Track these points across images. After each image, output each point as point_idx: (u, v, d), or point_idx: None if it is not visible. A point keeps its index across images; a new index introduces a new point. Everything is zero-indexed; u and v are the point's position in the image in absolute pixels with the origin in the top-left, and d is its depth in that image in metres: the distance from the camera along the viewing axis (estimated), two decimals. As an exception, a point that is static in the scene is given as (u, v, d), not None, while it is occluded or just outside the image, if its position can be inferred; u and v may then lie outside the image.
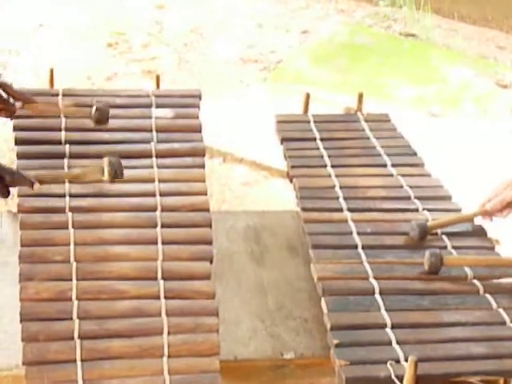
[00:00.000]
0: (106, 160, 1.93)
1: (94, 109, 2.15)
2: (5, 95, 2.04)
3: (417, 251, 2.03)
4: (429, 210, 2.19)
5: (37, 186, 1.89)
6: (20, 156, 2.13)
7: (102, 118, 2.16)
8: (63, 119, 2.22)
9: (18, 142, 2.16)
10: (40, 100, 2.27)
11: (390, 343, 1.73)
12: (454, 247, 2.07)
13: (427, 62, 5.44)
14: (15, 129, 2.18)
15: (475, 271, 1.97)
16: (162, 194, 2.07)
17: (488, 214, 2.17)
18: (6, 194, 1.85)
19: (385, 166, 2.39)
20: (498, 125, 4.68)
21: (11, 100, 2.04)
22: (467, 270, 1.98)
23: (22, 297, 1.75)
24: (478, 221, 2.18)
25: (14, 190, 2.06)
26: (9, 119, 2.09)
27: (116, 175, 1.93)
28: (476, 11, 5.93)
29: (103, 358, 1.66)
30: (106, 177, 1.93)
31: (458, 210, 2.22)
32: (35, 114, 2.21)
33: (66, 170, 2.10)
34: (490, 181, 2.23)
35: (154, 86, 2.46)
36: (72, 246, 1.89)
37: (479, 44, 5.75)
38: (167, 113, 2.30)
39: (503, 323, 1.83)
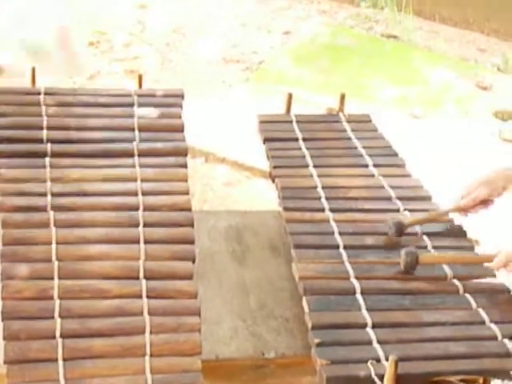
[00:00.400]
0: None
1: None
2: None
3: (397, 251, 2.04)
4: (409, 211, 2.20)
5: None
6: (1, 155, 2.12)
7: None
8: (45, 118, 2.21)
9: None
10: (22, 99, 2.28)
11: (370, 343, 1.74)
12: (434, 247, 2.09)
13: (409, 64, 5.46)
14: None
15: (455, 271, 1.99)
16: (144, 194, 2.07)
17: (462, 210, 2.20)
18: None
19: (366, 166, 2.40)
20: (478, 126, 4.71)
21: None
22: (447, 269, 1.99)
23: (3, 295, 1.75)
24: (457, 219, 2.20)
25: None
26: None
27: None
28: (457, 13, 5.96)
29: (85, 357, 1.66)
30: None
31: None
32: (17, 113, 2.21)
33: (47, 168, 2.09)
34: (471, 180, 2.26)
35: (136, 85, 2.45)
36: (54, 245, 1.88)
37: (460, 46, 5.78)
38: (151, 112, 2.30)
39: (482, 323, 1.84)
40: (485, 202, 2.20)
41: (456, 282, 1.97)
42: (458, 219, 2.22)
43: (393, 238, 2.10)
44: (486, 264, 1.99)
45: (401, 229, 2.10)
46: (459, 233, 2.17)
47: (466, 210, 2.21)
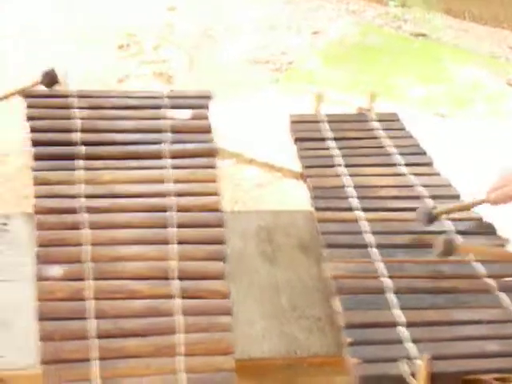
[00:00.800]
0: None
1: (42, 73, 2.17)
2: None
3: (430, 249, 2.03)
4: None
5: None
6: (36, 157, 2.14)
7: (52, 82, 2.17)
8: (78, 121, 2.23)
9: (34, 143, 2.17)
10: (54, 102, 2.30)
11: (403, 341, 1.74)
12: (458, 232, 2.09)
13: (438, 62, 5.43)
14: (31, 131, 2.19)
15: (488, 269, 1.98)
16: (175, 195, 2.07)
17: (492, 203, 2.18)
18: None
19: (395, 165, 2.39)
20: (509, 124, 4.67)
21: None
22: (480, 268, 1.98)
23: (38, 296, 1.77)
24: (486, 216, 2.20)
25: (30, 191, 2.08)
26: None
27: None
28: (487, 11, 5.91)
29: (119, 357, 1.68)
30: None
31: (455, 211, 2.22)
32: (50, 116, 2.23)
33: (80, 170, 2.11)
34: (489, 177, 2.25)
35: (166, 87, 2.46)
36: (87, 246, 1.90)
37: (490, 44, 5.74)
38: (184, 114, 2.31)
39: (516, 321, 1.83)
40: None
41: (489, 280, 1.96)
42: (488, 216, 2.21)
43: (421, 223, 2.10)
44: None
45: (432, 217, 2.10)
46: (490, 230, 2.15)
47: (496, 204, 2.20)
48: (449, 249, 1.94)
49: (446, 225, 2.14)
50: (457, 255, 1.96)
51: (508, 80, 5.19)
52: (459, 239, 2.07)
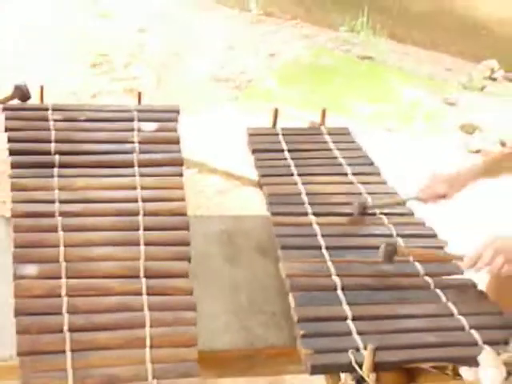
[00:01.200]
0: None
1: (14, 87, 2.17)
2: None
3: (376, 251, 2.05)
4: (385, 215, 2.22)
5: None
6: (14, 165, 2.12)
7: (23, 96, 2.16)
8: (53, 132, 2.21)
9: (11, 152, 2.15)
10: (31, 114, 2.28)
11: (350, 334, 1.76)
12: (399, 235, 2.13)
13: (383, 83, 5.48)
14: (9, 140, 2.17)
15: (427, 268, 2.00)
16: (144, 200, 2.07)
17: (422, 200, 2.27)
18: None
19: (346, 174, 2.41)
20: (446, 139, 4.74)
21: None
22: (419, 267, 2.01)
23: (15, 293, 1.75)
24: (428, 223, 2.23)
25: (7, 197, 2.06)
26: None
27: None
28: (427, 37, 5.99)
29: (91, 349, 1.67)
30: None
31: (411, 215, 2.25)
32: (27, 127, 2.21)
33: (55, 178, 2.09)
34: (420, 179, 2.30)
35: (136, 102, 2.46)
36: (61, 248, 1.88)
37: (429, 66, 5.81)
38: (151, 126, 2.30)
39: (451, 315, 1.86)
40: (443, 197, 2.25)
41: (428, 278, 1.98)
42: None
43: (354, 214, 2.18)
44: (457, 263, 2.01)
45: (363, 209, 2.18)
46: (431, 233, 2.18)
47: (425, 201, 2.27)
48: (391, 252, 1.96)
49: (391, 229, 2.16)
50: (399, 257, 1.98)
51: (445, 99, 5.26)
52: (400, 242, 2.10)
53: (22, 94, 2.14)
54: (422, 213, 2.28)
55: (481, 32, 5.79)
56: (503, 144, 4.66)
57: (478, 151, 4.64)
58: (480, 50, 5.78)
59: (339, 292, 1.89)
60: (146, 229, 1.98)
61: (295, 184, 2.33)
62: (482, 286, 2.07)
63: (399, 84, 5.45)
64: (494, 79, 5.72)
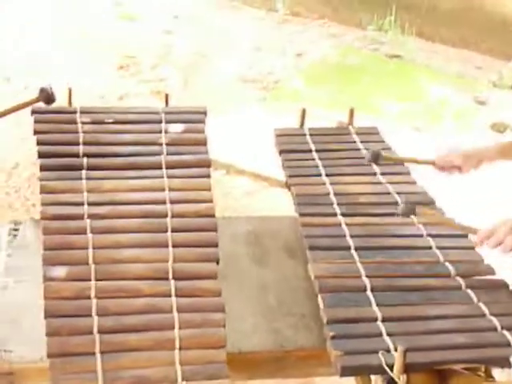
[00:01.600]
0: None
1: (40, 90, 2.17)
2: None
3: (406, 251, 2.04)
4: (415, 215, 2.20)
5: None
6: (43, 168, 2.14)
7: (48, 98, 2.17)
8: (81, 134, 2.23)
9: (40, 155, 2.17)
10: (59, 117, 2.30)
11: (380, 335, 1.75)
12: (438, 247, 2.08)
13: (411, 81, 5.46)
14: (38, 143, 2.19)
15: (457, 268, 1.99)
16: (172, 202, 2.07)
17: (436, 166, 2.34)
18: None
19: (374, 174, 2.40)
20: (476, 138, 4.70)
21: None
22: (450, 267, 1.99)
23: (45, 295, 1.76)
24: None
25: (37, 199, 2.08)
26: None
27: None
28: (455, 34, 5.95)
29: (120, 351, 1.67)
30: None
31: (442, 213, 2.23)
32: (56, 130, 2.23)
33: (84, 180, 2.10)
34: (469, 185, 2.29)
35: (163, 104, 2.47)
36: (90, 250, 1.89)
37: (458, 64, 5.77)
38: (178, 127, 2.31)
39: (483, 316, 1.84)
40: (458, 169, 2.31)
41: (458, 278, 1.97)
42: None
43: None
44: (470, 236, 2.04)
45: (377, 157, 2.25)
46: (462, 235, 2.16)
47: (441, 168, 2.33)
48: (410, 210, 1.97)
49: (420, 229, 2.15)
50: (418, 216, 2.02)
51: (475, 97, 5.22)
52: (431, 243, 2.08)
53: (47, 96, 2.15)
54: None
55: (510, 29, 5.73)
56: (535, 142, 4.61)
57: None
58: (510, 48, 5.72)
59: (369, 293, 1.89)
60: (174, 230, 1.98)
61: (323, 184, 2.33)
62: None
63: (428, 82, 5.42)
64: (525, 77, 5.65)
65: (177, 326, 1.73)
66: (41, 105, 2.26)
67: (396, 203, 2.25)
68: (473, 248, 2.10)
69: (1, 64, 5.16)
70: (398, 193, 2.30)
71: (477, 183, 2.37)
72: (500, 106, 5.12)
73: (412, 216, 2.01)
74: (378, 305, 1.84)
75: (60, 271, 1.83)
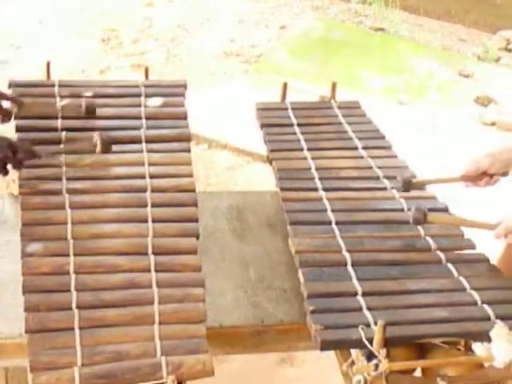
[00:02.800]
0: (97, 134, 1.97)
1: (83, 103, 2.17)
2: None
3: (387, 226, 2.05)
4: (396, 189, 2.20)
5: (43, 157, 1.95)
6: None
7: (90, 112, 2.17)
8: (59, 108, 2.21)
9: (18, 129, 2.15)
10: (37, 91, 2.28)
11: (360, 309, 1.75)
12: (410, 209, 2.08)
13: (395, 54, 5.45)
14: (16, 118, 2.17)
15: (438, 243, 2.00)
16: (152, 176, 2.07)
17: (468, 179, 2.17)
18: (21, 167, 1.88)
19: (356, 148, 2.40)
20: (460, 111, 4.71)
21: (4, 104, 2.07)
22: (431, 241, 2.00)
23: (23, 271, 1.76)
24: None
25: (14, 175, 2.06)
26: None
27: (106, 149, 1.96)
28: (439, 7, 5.94)
29: (99, 326, 1.67)
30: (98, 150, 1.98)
31: (432, 183, 2.22)
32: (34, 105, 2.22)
33: (62, 155, 2.09)
34: (453, 160, 2.25)
35: (143, 77, 2.45)
36: (69, 225, 1.89)
37: (443, 37, 5.77)
38: (156, 101, 2.29)
39: (463, 290, 1.85)
40: (489, 176, 2.17)
41: (439, 252, 1.98)
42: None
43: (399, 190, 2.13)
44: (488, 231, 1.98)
45: (409, 186, 2.11)
46: (443, 210, 2.16)
47: (472, 181, 2.20)
48: (421, 217, 1.96)
49: (401, 203, 2.15)
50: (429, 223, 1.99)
51: (460, 70, 5.22)
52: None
53: (90, 110, 2.17)
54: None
55: (495, 1, 5.73)
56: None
57: (492, 123, 4.62)
58: (495, 21, 5.72)
59: (349, 267, 1.89)
60: (153, 205, 1.98)
61: (305, 159, 2.32)
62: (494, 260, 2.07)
63: (412, 56, 5.42)
64: (510, 50, 5.66)
65: (156, 300, 1.73)
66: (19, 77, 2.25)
67: (377, 177, 2.26)
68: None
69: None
70: (379, 167, 2.30)
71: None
72: (484, 80, 5.12)
73: (424, 224, 1.99)
74: (358, 279, 1.85)
75: (38, 247, 1.82)
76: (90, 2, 5.78)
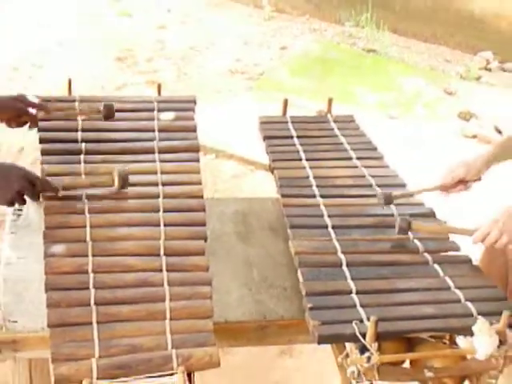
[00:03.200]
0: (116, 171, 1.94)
1: (102, 106, 2.15)
2: (28, 108, 2.05)
3: (379, 229, 2.04)
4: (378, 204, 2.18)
5: (61, 192, 1.91)
6: (44, 153, 2.12)
7: (109, 114, 2.15)
8: (80, 122, 2.20)
9: (41, 141, 2.15)
10: (59, 105, 2.27)
11: (354, 306, 1.75)
12: (400, 215, 2.07)
13: (386, 74, 5.45)
14: (39, 130, 2.17)
15: (425, 245, 1.99)
16: (164, 184, 2.06)
17: (444, 189, 2.18)
18: (37, 199, 1.84)
19: (350, 159, 2.39)
20: (444, 125, 4.71)
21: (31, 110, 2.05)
22: (419, 244, 1.99)
23: (46, 270, 1.75)
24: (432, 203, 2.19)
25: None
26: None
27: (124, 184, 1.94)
28: (427, 30, 5.94)
29: (115, 321, 1.66)
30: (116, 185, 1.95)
31: (411, 195, 2.23)
32: (56, 118, 2.21)
33: (82, 164, 2.08)
34: (438, 170, 2.25)
35: (156, 93, 2.44)
36: (88, 228, 1.88)
37: (429, 58, 5.76)
38: (169, 115, 2.29)
39: (448, 288, 1.85)
40: (464, 183, 2.18)
41: (426, 254, 1.97)
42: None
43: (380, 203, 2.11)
44: (455, 242, 1.99)
45: (389, 200, 2.10)
46: (431, 214, 2.16)
47: (448, 189, 2.19)
48: (406, 227, 1.95)
49: (392, 209, 2.14)
50: (413, 231, 1.98)
51: (444, 88, 5.22)
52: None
53: (109, 112, 2.13)
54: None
55: (477, 25, 5.73)
56: (498, 130, 4.62)
57: (474, 136, 4.62)
58: (476, 43, 5.73)
59: (344, 268, 1.88)
60: (165, 210, 1.97)
61: (303, 168, 2.31)
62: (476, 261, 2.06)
63: (401, 75, 5.42)
64: (490, 69, 5.66)
65: (167, 298, 1.72)
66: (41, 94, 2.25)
67: (370, 185, 2.25)
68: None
69: (9, 56, 5.11)
70: (372, 176, 2.29)
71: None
72: (466, 97, 5.12)
73: (408, 232, 1.99)
74: (352, 279, 1.84)
75: (60, 248, 1.81)
76: (106, 25, 5.79)
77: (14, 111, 2.06)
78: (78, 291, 1.72)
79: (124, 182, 1.98)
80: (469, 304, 1.78)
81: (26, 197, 1.87)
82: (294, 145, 2.44)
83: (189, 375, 1.58)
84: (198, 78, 5.10)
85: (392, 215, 2.11)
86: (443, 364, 1.66)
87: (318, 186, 2.23)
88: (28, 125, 2.15)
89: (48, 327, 1.64)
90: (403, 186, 2.27)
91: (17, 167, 1.85)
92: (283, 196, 2.19)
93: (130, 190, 2.02)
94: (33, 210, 2.17)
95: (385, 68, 5.53)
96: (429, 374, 1.63)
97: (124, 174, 1.98)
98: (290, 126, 2.53)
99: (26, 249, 2.03)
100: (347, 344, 1.68)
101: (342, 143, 2.47)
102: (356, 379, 1.61)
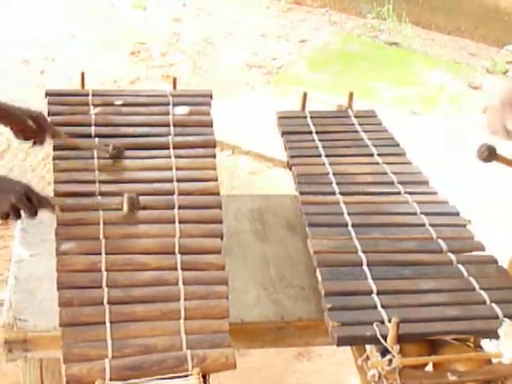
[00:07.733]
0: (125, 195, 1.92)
1: (111, 147, 2.10)
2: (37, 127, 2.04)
3: (401, 228, 2.03)
4: (409, 193, 2.18)
5: (58, 212, 1.87)
6: (56, 148, 2.12)
7: (118, 155, 2.12)
8: (93, 116, 2.21)
9: (55, 158, 2.10)
10: (73, 99, 2.28)
11: (375, 307, 1.74)
12: (431, 225, 2.06)
13: (408, 67, 5.42)
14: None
15: (449, 245, 1.97)
16: (179, 180, 2.06)
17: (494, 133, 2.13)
18: (34, 215, 1.81)
19: (371, 155, 2.38)
20: (469, 120, 4.67)
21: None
22: (442, 243, 1.98)
23: (58, 268, 1.76)
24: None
25: (50, 177, 2.06)
26: None
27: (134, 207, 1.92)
28: (451, 23, 5.90)
29: (129, 321, 1.67)
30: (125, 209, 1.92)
31: (434, 193, 2.21)
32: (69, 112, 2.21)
33: (95, 159, 2.09)
34: (463, 167, 2.23)
35: (171, 87, 2.45)
36: (101, 225, 1.88)
37: (453, 51, 5.72)
38: (183, 109, 2.29)
39: (473, 290, 1.83)
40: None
41: (450, 254, 1.95)
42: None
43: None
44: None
45: (493, 153, 2.00)
46: (454, 212, 2.14)
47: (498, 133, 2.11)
48: (491, 154, 1.92)
49: (414, 207, 2.13)
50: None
51: (470, 83, 5.18)
52: (424, 220, 2.07)
53: (132, 204, 2.08)
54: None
55: (502, 17, 5.68)
56: (525, 125, 4.58)
57: (500, 132, 4.57)
58: (502, 35, 5.68)
59: (365, 267, 1.87)
60: (180, 207, 1.97)
61: (323, 164, 2.31)
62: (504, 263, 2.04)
63: (424, 68, 5.38)
64: (517, 63, 5.61)
65: (182, 297, 1.73)
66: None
67: (392, 183, 2.24)
68: (464, 225, 2.09)
69: (21, 49, 5.14)
70: (393, 173, 2.28)
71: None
72: (493, 91, 5.08)
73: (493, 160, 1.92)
74: (373, 279, 1.83)
75: (72, 245, 1.82)
76: (120, 18, 5.80)
77: (27, 128, 2.05)
78: (90, 290, 1.73)
79: (133, 206, 1.93)
80: (494, 306, 1.76)
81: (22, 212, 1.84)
82: (313, 140, 2.43)
83: (203, 377, 1.58)
84: (213, 72, 5.10)
85: (414, 213, 2.10)
86: (467, 368, 1.65)
87: (337, 183, 2.22)
88: (33, 141, 2.12)
89: (60, 326, 1.65)
90: (426, 183, 2.26)
91: (19, 183, 1.83)
92: (302, 193, 2.18)
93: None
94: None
95: (407, 61, 5.50)
96: (452, 377, 1.62)
97: (132, 198, 1.93)
98: (309, 121, 2.52)
99: (37, 246, 2.04)
100: (367, 346, 1.67)
101: (362, 139, 2.45)
102: (377, 383, 1.60)
